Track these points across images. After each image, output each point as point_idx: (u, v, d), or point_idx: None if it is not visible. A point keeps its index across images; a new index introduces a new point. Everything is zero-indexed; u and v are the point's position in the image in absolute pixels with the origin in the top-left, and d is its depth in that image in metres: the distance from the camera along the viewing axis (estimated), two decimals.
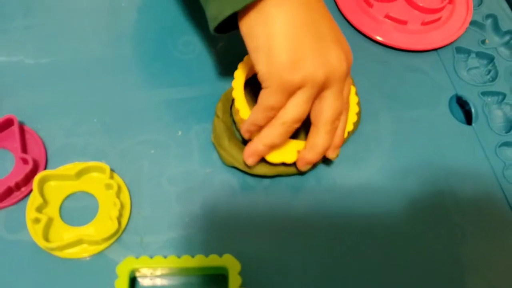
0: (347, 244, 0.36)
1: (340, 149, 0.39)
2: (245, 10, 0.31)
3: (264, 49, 0.31)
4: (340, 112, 0.34)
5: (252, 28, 0.31)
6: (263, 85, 0.32)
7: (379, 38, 0.45)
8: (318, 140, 0.34)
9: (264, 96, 0.32)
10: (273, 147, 0.34)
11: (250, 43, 0.32)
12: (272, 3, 0.30)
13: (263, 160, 0.37)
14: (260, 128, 0.34)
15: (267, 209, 0.37)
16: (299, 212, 0.37)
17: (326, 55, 0.31)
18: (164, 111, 0.40)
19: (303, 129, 0.38)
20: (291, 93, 0.31)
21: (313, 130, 0.35)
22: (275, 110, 0.32)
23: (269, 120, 0.33)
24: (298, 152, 0.36)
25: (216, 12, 0.32)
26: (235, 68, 0.37)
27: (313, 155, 0.35)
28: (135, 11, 0.45)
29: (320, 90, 0.32)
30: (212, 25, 0.33)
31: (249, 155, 0.35)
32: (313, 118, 0.34)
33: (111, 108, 0.40)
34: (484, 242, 0.38)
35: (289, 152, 0.36)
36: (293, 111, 0.32)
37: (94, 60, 0.42)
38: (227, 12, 0.31)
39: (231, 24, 0.33)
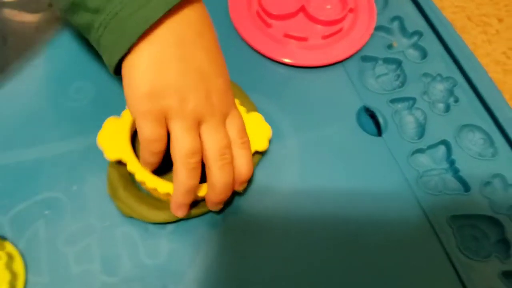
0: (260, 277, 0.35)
1: (254, 181, 0.39)
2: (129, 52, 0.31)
3: (128, 83, 0.31)
4: (225, 145, 0.33)
5: (124, 68, 0.31)
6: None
7: (281, 59, 0.44)
8: (214, 179, 0.33)
9: (138, 131, 0.32)
10: (190, 190, 0.33)
11: (123, 82, 0.32)
12: (144, 40, 0.30)
13: (161, 207, 0.36)
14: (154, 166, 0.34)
15: (173, 256, 0.35)
16: (207, 254, 0.36)
17: (189, 91, 0.31)
18: (57, 166, 0.38)
19: None
20: (160, 122, 0.31)
21: (206, 170, 0.33)
22: (155, 141, 0.32)
23: (156, 155, 0.33)
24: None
25: (108, 60, 0.33)
26: None
27: (214, 196, 0.34)
28: (23, 66, 0.43)
29: (196, 124, 0.32)
30: (110, 71, 0.33)
31: (176, 209, 0.34)
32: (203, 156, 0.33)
33: (1, 171, 0.38)
34: (401, 254, 0.37)
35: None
36: (177, 144, 0.31)
37: None
38: (116, 59, 0.31)
39: None
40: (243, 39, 0.46)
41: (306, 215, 0.38)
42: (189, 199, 0.34)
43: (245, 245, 0.36)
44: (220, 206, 0.36)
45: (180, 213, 0.34)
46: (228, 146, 0.34)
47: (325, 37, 0.45)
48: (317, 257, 0.36)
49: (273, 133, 0.40)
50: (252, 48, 0.45)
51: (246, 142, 0.35)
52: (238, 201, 0.38)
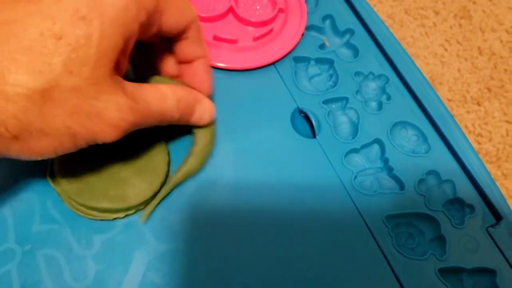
0: None
1: (185, 194, 0.37)
2: None
3: None
4: None
5: None
6: None
7: (213, 63, 0.43)
8: None
9: None
10: None
11: None
12: None
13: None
14: None
15: (100, 277, 0.34)
16: (135, 273, 0.34)
17: None
18: None
19: None
20: None
21: None
22: None
23: None
24: None
25: None
26: None
27: None
28: None
29: None
30: None
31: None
32: None
33: None
34: (337, 256, 0.36)
35: None
36: None
37: None
38: None
39: None
40: None
41: (240, 222, 0.37)
42: None
43: (173, 262, 0.35)
44: None
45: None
46: None
47: (256, 38, 0.43)
48: (252, 265, 0.35)
49: None
50: None
51: None
52: (167, 214, 0.36)
